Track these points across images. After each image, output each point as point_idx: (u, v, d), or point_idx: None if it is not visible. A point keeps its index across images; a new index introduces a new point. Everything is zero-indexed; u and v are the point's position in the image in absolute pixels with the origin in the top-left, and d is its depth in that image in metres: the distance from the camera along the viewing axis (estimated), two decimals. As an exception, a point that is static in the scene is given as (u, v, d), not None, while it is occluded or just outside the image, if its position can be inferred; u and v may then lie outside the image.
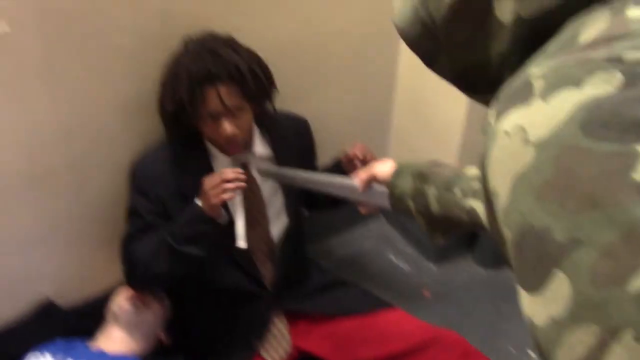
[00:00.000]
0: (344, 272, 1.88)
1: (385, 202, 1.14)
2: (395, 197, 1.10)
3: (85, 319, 1.59)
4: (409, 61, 1.94)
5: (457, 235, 1.06)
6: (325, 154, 1.71)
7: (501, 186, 0.44)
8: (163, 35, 1.43)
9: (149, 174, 1.43)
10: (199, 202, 1.32)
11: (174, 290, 1.57)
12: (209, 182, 1.30)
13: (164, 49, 1.42)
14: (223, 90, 1.31)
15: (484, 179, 0.49)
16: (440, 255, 2.16)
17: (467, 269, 2.17)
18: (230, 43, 1.38)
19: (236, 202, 1.36)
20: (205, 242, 1.36)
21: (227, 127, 1.33)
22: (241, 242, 1.33)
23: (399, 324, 1.54)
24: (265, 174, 1.49)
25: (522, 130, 0.42)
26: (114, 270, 1.58)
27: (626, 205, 0.36)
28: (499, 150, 0.45)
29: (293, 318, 1.58)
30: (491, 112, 0.48)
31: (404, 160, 1.14)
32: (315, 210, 1.74)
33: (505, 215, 0.43)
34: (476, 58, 0.59)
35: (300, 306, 1.58)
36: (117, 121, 1.49)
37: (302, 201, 1.62)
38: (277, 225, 1.56)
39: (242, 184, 1.30)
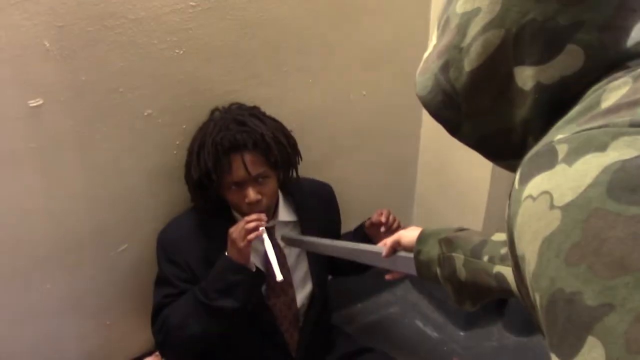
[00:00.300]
0: (370, 339, 1.85)
1: (411, 269, 1.12)
2: (421, 264, 1.08)
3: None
4: (432, 126, 1.96)
5: (486, 302, 1.03)
6: (348, 220, 1.71)
7: (529, 251, 0.44)
8: (191, 106, 1.48)
9: (176, 241, 1.44)
10: (227, 254, 1.34)
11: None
12: (233, 229, 1.33)
13: (191, 119, 1.47)
14: (248, 158, 1.34)
15: (511, 244, 0.49)
16: (469, 322, 2.11)
17: (496, 336, 2.11)
18: (255, 113, 1.42)
19: (265, 243, 1.35)
20: (239, 291, 1.35)
21: (251, 194, 1.35)
22: (278, 275, 1.29)
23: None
24: (289, 241, 1.49)
25: (548, 194, 0.42)
26: (139, 339, 1.58)
27: None
28: (525, 215, 0.45)
29: (319, 387, 1.54)
30: (517, 178, 0.48)
31: (429, 227, 1.12)
32: (339, 275, 1.72)
33: (534, 280, 0.43)
34: (499, 125, 0.59)
35: (326, 375, 1.54)
36: (144, 190, 1.52)
37: (327, 267, 1.61)
38: (302, 292, 1.55)
39: (264, 222, 1.32)
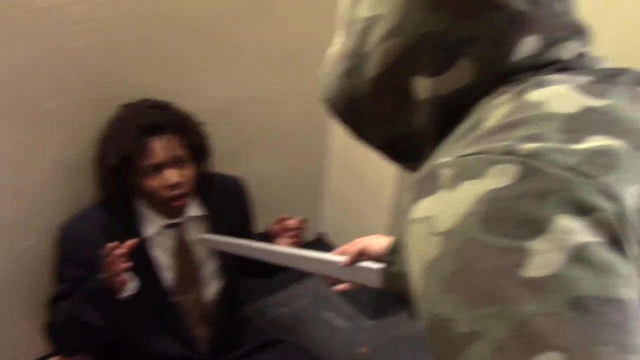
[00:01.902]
0: (281, 332, 1.87)
1: (373, 280, 1.02)
2: (390, 276, 0.97)
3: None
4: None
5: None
6: (261, 214, 1.72)
7: (415, 271, 0.46)
8: (97, 99, 1.44)
9: (75, 239, 1.40)
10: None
11: (105, 355, 1.52)
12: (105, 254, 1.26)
13: (98, 112, 1.43)
14: (170, 140, 1.34)
15: (402, 245, 0.51)
16: (377, 311, 2.18)
17: (403, 325, 2.19)
18: (168, 104, 1.42)
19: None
20: (107, 313, 1.31)
21: (172, 175, 1.35)
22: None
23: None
24: (217, 246, 1.45)
25: (430, 220, 0.44)
26: (43, 339, 1.53)
27: (517, 302, 0.38)
28: (412, 236, 0.47)
29: (229, 381, 1.55)
30: (406, 197, 0.51)
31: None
32: (245, 276, 1.70)
33: (418, 300, 0.46)
34: (398, 131, 0.61)
35: (235, 369, 1.56)
36: (50, 184, 1.47)
37: (237, 262, 1.62)
38: (212, 287, 1.55)
39: (125, 265, 1.24)
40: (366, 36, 0.58)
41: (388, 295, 1.00)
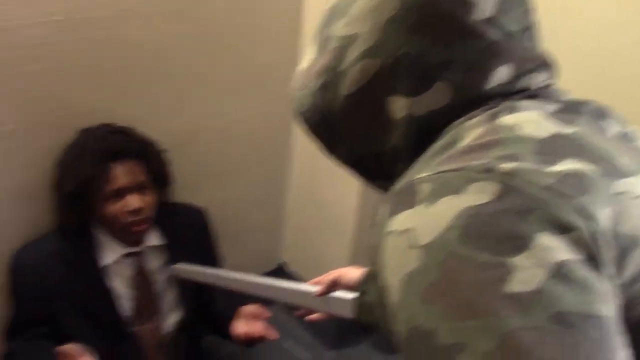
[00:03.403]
0: (241, 364, 1.84)
1: (345, 310, 1.00)
2: (363, 306, 0.96)
3: None
4: (303, 151, 2.01)
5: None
6: (222, 243, 1.70)
7: (391, 284, 0.46)
8: (55, 124, 1.41)
9: (30, 266, 1.36)
10: None
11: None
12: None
13: (55, 137, 1.40)
14: (131, 166, 1.32)
15: (375, 274, 0.51)
16: (339, 341, 2.16)
17: (366, 355, 2.18)
18: (130, 130, 1.40)
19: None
20: None
21: (134, 201, 1.32)
22: None
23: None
24: (189, 275, 1.41)
25: (410, 232, 0.45)
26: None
27: (501, 315, 0.39)
28: (389, 249, 0.47)
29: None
30: (382, 210, 0.51)
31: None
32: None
33: (395, 312, 0.45)
34: (371, 149, 0.62)
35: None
36: (3, 209, 1.42)
37: (197, 293, 1.58)
38: (171, 317, 1.52)
39: None
40: (343, 54, 0.59)
41: (359, 326, 0.98)
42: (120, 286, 1.42)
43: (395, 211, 0.48)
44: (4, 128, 1.34)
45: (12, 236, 1.43)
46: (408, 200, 0.47)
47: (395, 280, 0.45)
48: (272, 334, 1.39)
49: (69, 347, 1.23)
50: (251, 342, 1.42)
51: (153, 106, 1.59)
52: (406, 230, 0.45)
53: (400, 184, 0.52)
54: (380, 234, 0.50)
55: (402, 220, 0.47)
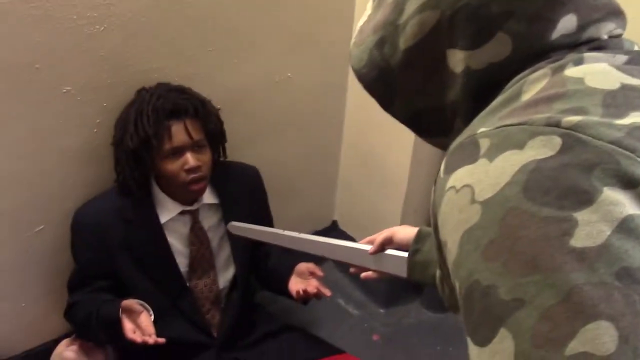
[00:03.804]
0: (293, 318, 1.88)
1: (399, 269, 1.02)
2: (417, 264, 0.98)
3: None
4: (356, 109, 2.00)
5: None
6: (273, 201, 1.72)
7: (451, 240, 0.46)
8: (112, 84, 1.43)
9: (91, 223, 1.41)
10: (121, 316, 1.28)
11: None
12: (145, 319, 1.29)
13: (113, 97, 1.43)
14: (189, 124, 1.34)
15: (435, 229, 0.51)
16: (389, 300, 2.18)
17: (415, 313, 2.19)
18: (186, 89, 1.42)
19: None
20: (117, 341, 1.35)
21: (191, 159, 1.35)
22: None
23: (348, 369, 1.54)
24: (241, 231, 1.43)
25: (470, 188, 0.44)
26: (56, 322, 1.54)
27: (565, 270, 0.38)
28: (448, 205, 0.47)
29: (242, 367, 1.56)
30: (442, 167, 0.50)
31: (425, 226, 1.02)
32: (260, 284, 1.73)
33: (454, 269, 0.45)
34: (429, 104, 0.61)
35: (248, 355, 1.56)
36: (62, 169, 1.47)
37: (250, 250, 1.62)
38: (225, 274, 1.56)
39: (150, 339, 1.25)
40: (402, 7, 0.58)
41: (411, 284, 1.00)
42: (177, 243, 1.46)
43: (454, 167, 0.47)
44: (64, 88, 1.38)
45: (73, 195, 1.49)
46: (468, 156, 0.47)
47: (454, 236, 0.45)
48: (326, 292, 1.43)
49: (132, 303, 1.28)
50: (306, 298, 1.46)
51: (208, 65, 1.60)
52: (466, 186, 0.45)
53: (460, 138, 0.50)
54: (440, 190, 0.49)
55: (462, 176, 0.46)
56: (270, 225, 1.73)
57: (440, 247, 0.49)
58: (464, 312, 0.44)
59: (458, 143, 0.50)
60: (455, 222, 0.45)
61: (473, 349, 0.42)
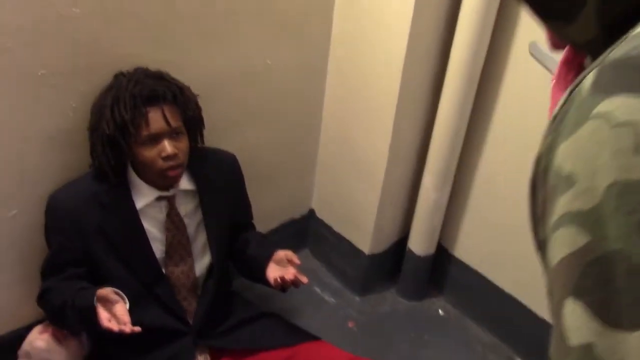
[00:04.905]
0: (270, 305, 1.89)
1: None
2: None
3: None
4: (335, 95, 2.00)
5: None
6: (252, 187, 1.72)
7: (588, 184, 0.35)
8: (89, 68, 1.41)
9: (65, 208, 1.39)
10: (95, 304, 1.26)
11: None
12: (107, 313, 1.26)
13: (89, 81, 1.41)
14: (167, 110, 1.33)
15: (549, 151, 0.41)
16: (364, 288, 2.20)
17: (390, 301, 2.22)
18: (164, 75, 1.40)
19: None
20: (92, 330, 1.32)
21: (169, 146, 1.34)
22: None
23: (324, 356, 1.55)
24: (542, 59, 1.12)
25: (635, 129, 0.34)
26: (28, 309, 1.52)
27: None
28: (594, 136, 0.36)
29: (218, 354, 1.56)
30: (590, 79, 0.39)
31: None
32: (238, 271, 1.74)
33: (582, 219, 0.36)
34: None
35: (224, 342, 1.56)
36: (37, 153, 1.44)
37: (227, 238, 1.62)
38: (202, 261, 1.56)
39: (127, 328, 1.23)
40: None
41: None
42: (153, 229, 1.45)
43: (614, 89, 0.36)
44: (39, 72, 1.35)
45: (47, 179, 1.46)
46: (632, 82, 0.35)
47: (594, 183, 0.35)
48: (303, 279, 1.44)
49: (108, 292, 1.27)
50: (284, 286, 1.47)
51: (186, 51, 1.58)
52: (629, 125, 0.34)
53: (626, 47, 0.39)
54: (578, 109, 0.38)
55: (626, 108, 0.34)
56: (248, 213, 1.73)
57: (548, 177, 0.39)
58: (584, 283, 0.35)
59: (625, 57, 0.37)
60: (604, 165, 0.34)
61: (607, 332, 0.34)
